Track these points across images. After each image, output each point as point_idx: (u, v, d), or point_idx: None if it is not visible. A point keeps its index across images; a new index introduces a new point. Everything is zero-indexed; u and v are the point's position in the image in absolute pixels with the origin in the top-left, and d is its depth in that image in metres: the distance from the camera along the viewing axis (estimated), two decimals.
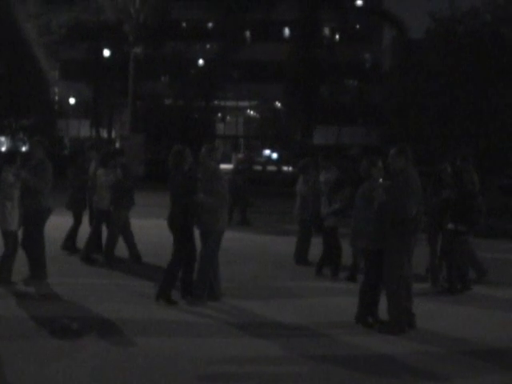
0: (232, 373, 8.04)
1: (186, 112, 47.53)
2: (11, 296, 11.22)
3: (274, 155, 71.33)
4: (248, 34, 58.19)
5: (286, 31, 67.47)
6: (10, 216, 11.70)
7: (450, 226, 12.79)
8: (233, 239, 18.03)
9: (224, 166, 49.83)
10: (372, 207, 9.99)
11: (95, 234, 14.74)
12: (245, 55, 52.02)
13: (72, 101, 65.02)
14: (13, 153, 15.96)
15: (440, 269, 13.16)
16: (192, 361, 8.24)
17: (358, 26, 53.31)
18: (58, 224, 18.95)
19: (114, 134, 55.17)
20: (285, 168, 57.35)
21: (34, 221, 12.10)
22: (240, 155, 66.14)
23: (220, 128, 68.94)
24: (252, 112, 73.01)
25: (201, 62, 54.59)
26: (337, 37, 49.24)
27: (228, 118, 69.40)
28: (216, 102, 54.98)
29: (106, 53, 43.46)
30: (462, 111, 33.60)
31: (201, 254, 11.30)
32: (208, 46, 56.12)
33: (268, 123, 66.15)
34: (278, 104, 64.77)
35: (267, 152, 73.88)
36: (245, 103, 70.45)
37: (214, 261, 11.45)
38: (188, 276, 11.41)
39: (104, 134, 55.84)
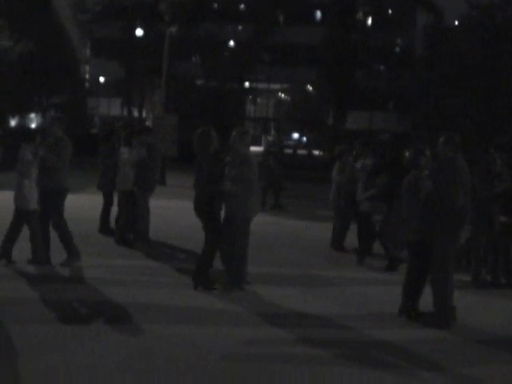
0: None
1: (218, 93, 47.21)
2: (47, 278, 11.04)
3: (304, 139, 70.98)
4: (280, 16, 57.51)
5: (318, 14, 67.03)
6: (28, 194, 11.46)
7: (503, 218, 12.32)
8: (266, 223, 17.90)
9: (254, 149, 49.88)
10: (418, 198, 9.73)
11: (125, 215, 14.33)
12: (276, 38, 51.47)
13: (102, 79, 65.04)
14: (31, 130, 15.62)
15: (484, 262, 12.63)
16: (212, 350, 7.98)
17: (389, 11, 52.65)
18: (89, 203, 18.84)
19: (144, 114, 55.05)
20: (315, 152, 57.03)
21: (52, 201, 11.77)
22: (270, 137, 66.13)
23: (251, 110, 68.57)
24: (283, 95, 72.63)
25: (232, 43, 54.21)
26: (369, 21, 48.49)
27: (259, 100, 68.90)
28: (247, 84, 54.53)
29: (139, 32, 43.18)
30: (498, 100, 33.13)
31: (224, 241, 10.97)
32: (240, 28, 55.68)
33: (299, 106, 65.73)
34: (310, 87, 64.35)
35: (296, 135, 73.53)
36: (276, 86, 70.05)
37: (239, 247, 11.02)
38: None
39: (135, 113, 55.71)
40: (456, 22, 41.48)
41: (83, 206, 19.07)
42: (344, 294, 11.16)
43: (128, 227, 14.32)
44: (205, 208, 10.86)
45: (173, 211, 20.34)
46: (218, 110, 46.58)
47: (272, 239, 15.96)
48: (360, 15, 43.57)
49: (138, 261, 12.72)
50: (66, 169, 11.84)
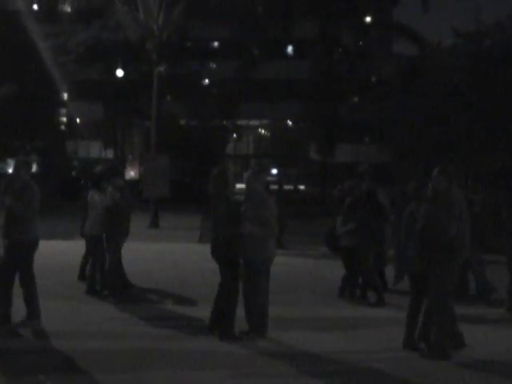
0: None
1: (202, 132, 47.09)
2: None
3: (274, 172, 70.33)
4: (256, 52, 57.52)
5: (291, 49, 67.11)
6: None
7: None
8: (274, 264, 17.39)
9: (238, 186, 49.49)
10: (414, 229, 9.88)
11: (92, 264, 13.63)
12: (253, 74, 51.34)
13: (79, 121, 64.57)
14: None
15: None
16: None
17: (361, 43, 52.61)
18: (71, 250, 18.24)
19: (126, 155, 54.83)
20: (301, 187, 56.73)
21: (20, 253, 10.87)
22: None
23: (230, 147, 68.26)
24: (263, 131, 72.48)
25: (209, 81, 54.01)
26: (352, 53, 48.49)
27: (234, 136, 68.74)
28: (225, 122, 54.26)
29: (120, 72, 42.91)
30: (485, 128, 33.02)
31: (247, 287, 10.51)
32: (218, 66, 55.46)
33: (279, 141, 65.65)
34: (289, 122, 64.29)
35: (275, 171, 73.07)
36: (255, 122, 69.84)
37: (261, 292, 10.54)
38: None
39: (115, 154, 55.25)
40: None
41: (69, 252, 18.51)
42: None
43: (95, 277, 13.63)
44: (223, 252, 10.36)
45: (169, 255, 19.98)
46: (201, 148, 46.39)
47: (284, 281, 15.42)
48: (343, 48, 43.44)
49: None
50: (36, 218, 10.94)
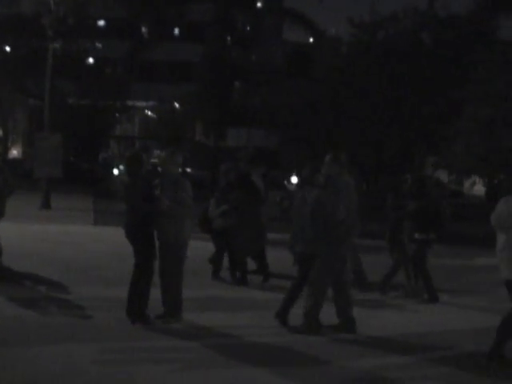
0: None
1: (91, 112, 46.25)
2: None
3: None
4: (146, 32, 56.74)
5: (180, 31, 66.50)
6: None
7: (420, 235, 12.94)
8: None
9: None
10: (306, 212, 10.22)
11: None
12: (143, 55, 50.61)
13: None
14: None
15: (412, 278, 13.42)
16: None
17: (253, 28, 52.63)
18: None
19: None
20: (188, 169, 56.34)
21: None
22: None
23: (117, 128, 67.19)
24: (149, 112, 71.55)
25: (94, 60, 52.99)
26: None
27: (123, 118, 67.67)
28: (115, 103, 53.32)
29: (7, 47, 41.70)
30: (379, 117, 33.53)
31: (163, 269, 10.45)
32: (99, 45, 54.39)
33: (165, 124, 64.99)
34: (176, 105, 63.73)
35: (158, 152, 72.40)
36: (142, 103, 68.91)
37: (177, 274, 10.53)
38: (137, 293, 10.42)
39: None
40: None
41: None
42: None
43: None
44: (139, 231, 10.24)
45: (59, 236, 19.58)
46: (89, 128, 45.62)
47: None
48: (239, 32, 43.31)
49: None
50: None
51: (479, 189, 34.76)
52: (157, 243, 10.45)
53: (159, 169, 12.59)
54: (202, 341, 9.58)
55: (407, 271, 13.47)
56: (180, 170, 11.17)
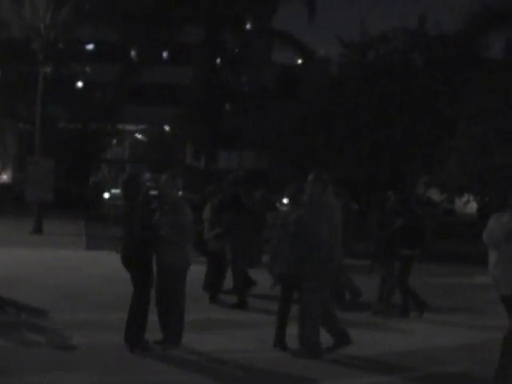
0: None
1: (81, 135, 46.14)
2: None
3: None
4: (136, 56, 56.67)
5: (169, 53, 66.37)
6: None
7: (406, 252, 13.30)
8: None
9: (113, 191, 48.63)
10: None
11: None
12: (133, 78, 50.46)
13: None
14: None
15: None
16: None
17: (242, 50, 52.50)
18: None
19: None
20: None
21: None
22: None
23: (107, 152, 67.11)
24: (140, 136, 71.51)
25: (85, 83, 52.90)
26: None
27: (114, 141, 67.58)
28: (106, 126, 53.18)
29: None
30: (371, 137, 33.48)
31: (161, 295, 10.39)
32: (88, 70, 54.25)
33: (155, 147, 64.95)
34: (166, 128, 63.65)
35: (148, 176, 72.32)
36: (131, 126, 68.82)
37: (178, 300, 10.47)
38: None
39: None
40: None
41: None
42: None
43: None
44: (137, 257, 10.08)
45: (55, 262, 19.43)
46: (80, 152, 45.46)
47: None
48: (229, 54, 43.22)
49: None
50: None
51: (471, 206, 34.72)
52: (155, 269, 10.32)
53: (152, 192, 12.49)
54: (200, 367, 9.55)
55: (382, 289, 13.72)
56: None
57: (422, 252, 13.47)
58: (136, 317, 10.13)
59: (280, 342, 10.54)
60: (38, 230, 27.21)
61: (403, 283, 13.39)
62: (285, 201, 40.11)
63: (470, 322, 13.27)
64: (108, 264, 18.67)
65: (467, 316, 13.97)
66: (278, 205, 39.27)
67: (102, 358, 9.75)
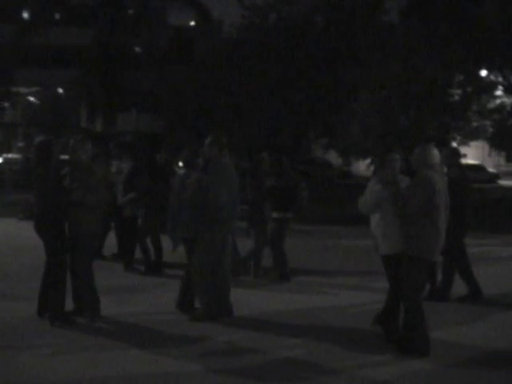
0: None
1: None
2: None
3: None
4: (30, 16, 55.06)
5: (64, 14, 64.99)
6: None
7: (277, 214, 13.29)
8: None
9: (8, 156, 47.35)
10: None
11: None
12: (26, 39, 49.12)
13: None
14: None
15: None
16: None
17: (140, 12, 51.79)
18: None
19: None
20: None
21: None
22: (20, 143, 63.62)
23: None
24: (32, 99, 69.83)
25: None
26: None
27: (7, 104, 65.84)
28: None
29: None
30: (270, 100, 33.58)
31: (74, 263, 10.10)
32: None
33: (48, 110, 63.63)
34: (60, 90, 62.39)
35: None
36: (24, 89, 67.12)
37: (89, 267, 10.24)
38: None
39: None
40: None
41: None
42: None
43: None
44: (51, 223, 9.85)
45: None
46: None
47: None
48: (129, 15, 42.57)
49: None
50: None
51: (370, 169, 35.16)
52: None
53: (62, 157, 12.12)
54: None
55: (259, 252, 13.66)
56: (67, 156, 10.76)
57: (294, 215, 13.56)
58: (53, 286, 9.86)
59: (181, 305, 10.66)
60: None
61: (277, 246, 13.37)
62: (180, 164, 40.15)
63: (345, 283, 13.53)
64: (8, 232, 18.29)
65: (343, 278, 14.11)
66: (176, 169, 39.04)
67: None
